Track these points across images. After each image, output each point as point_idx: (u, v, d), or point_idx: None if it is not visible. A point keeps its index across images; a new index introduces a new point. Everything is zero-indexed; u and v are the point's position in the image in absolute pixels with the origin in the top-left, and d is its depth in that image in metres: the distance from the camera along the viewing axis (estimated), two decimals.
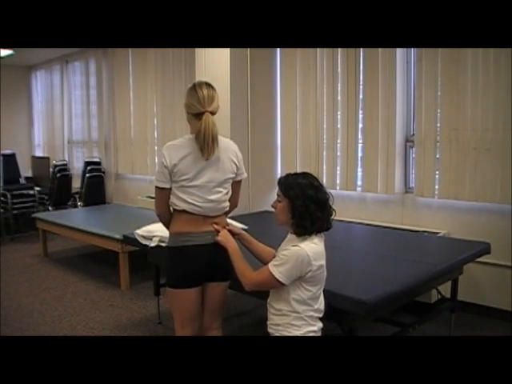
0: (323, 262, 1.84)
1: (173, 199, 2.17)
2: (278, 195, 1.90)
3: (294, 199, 1.81)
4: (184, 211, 2.15)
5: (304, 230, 1.82)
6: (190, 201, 2.14)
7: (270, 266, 1.84)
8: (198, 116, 2.13)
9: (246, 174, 2.34)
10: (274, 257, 2.03)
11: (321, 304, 1.90)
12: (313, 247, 1.80)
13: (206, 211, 2.17)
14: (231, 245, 2.10)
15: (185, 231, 2.16)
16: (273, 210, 1.95)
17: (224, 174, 2.21)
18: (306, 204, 1.79)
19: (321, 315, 1.90)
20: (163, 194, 2.18)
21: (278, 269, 1.80)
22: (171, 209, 2.23)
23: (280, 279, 1.79)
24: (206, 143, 2.10)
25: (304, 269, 1.78)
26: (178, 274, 2.18)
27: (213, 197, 2.18)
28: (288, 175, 1.90)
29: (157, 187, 2.18)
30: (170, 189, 2.16)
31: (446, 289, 3.15)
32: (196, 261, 2.16)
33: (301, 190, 1.81)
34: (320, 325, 1.90)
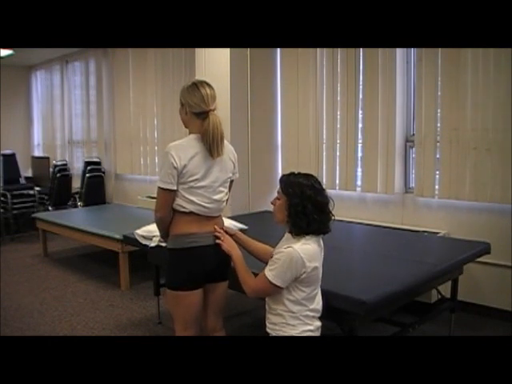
0: (318, 264, 1.83)
1: (179, 201, 2.11)
2: (278, 192, 1.90)
3: (291, 197, 1.81)
4: (190, 213, 2.12)
5: (299, 229, 1.82)
6: (198, 202, 2.11)
7: (266, 270, 1.84)
8: (202, 115, 2.11)
9: (238, 174, 2.33)
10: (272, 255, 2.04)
11: (317, 304, 1.89)
12: (306, 248, 1.80)
13: (210, 211, 2.16)
14: (235, 252, 2.09)
15: (190, 232, 2.12)
16: (272, 208, 1.96)
17: (226, 173, 2.20)
18: (303, 204, 1.79)
19: (318, 315, 1.90)
20: (169, 197, 2.10)
21: (272, 273, 1.80)
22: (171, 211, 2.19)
23: (276, 283, 1.79)
24: (215, 143, 2.08)
25: (298, 270, 1.78)
26: (182, 275, 2.15)
27: (217, 197, 2.17)
28: (291, 174, 1.89)
29: (163, 189, 2.08)
30: (177, 190, 2.10)
31: (446, 289, 3.15)
32: (202, 262, 2.14)
33: (300, 189, 1.80)
34: (318, 323, 1.90)
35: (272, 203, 1.93)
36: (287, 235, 1.91)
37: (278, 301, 1.85)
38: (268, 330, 1.93)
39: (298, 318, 1.84)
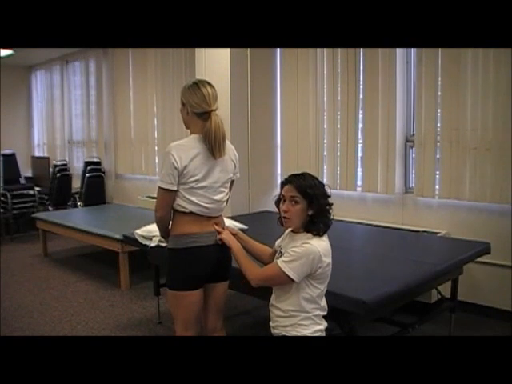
0: (330, 260, 1.85)
1: (179, 201, 2.11)
2: (292, 197, 1.83)
3: (318, 198, 1.81)
4: (190, 213, 2.11)
5: (325, 227, 1.85)
6: (198, 202, 2.10)
7: (280, 262, 1.82)
8: (203, 115, 2.10)
9: (239, 174, 2.33)
10: (272, 255, 2.04)
11: (324, 302, 1.91)
12: (322, 244, 1.82)
13: (210, 212, 2.15)
14: (235, 244, 2.10)
15: (190, 232, 2.11)
16: (275, 209, 1.95)
17: (227, 173, 2.20)
18: (327, 202, 1.84)
19: (325, 313, 1.91)
20: (169, 197, 2.10)
21: (288, 265, 1.79)
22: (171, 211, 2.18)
23: (291, 276, 1.78)
24: (217, 143, 2.08)
25: (315, 266, 1.78)
26: (183, 275, 2.14)
27: (217, 197, 2.16)
28: (299, 177, 1.85)
29: (163, 189, 2.08)
30: (177, 191, 2.10)
31: (446, 289, 3.15)
32: (202, 262, 2.14)
33: (319, 189, 1.83)
34: (325, 324, 1.91)
35: (285, 210, 1.85)
36: (295, 235, 1.89)
37: (292, 301, 1.84)
38: (275, 331, 1.92)
39: (310, 318, 1.85)
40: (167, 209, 2.14)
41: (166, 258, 2.23)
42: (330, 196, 1.88)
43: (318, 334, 1.86)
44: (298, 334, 1.84)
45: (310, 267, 1.78)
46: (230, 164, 2.22)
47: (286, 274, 1.79)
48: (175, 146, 2.08)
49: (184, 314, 2.18)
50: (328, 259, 1.83)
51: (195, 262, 2.13)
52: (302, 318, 1.84)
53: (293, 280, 1.79)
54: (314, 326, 1.85)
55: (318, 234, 1.83)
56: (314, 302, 1.84)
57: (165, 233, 2.25)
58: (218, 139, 2.08)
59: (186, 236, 2.12)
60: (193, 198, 2.10)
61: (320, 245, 1.81)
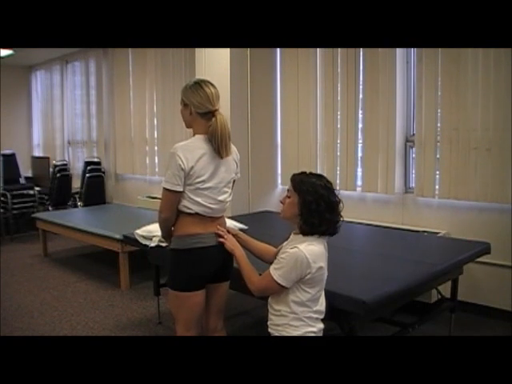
0: (323, 264, 1.83)
1: (185, 202, 2.09)
2: (288, 190, 1.88)
3: (305, 195, 1.80)
4: (195, 214, 2.10)
5: (311, 227, 1.81)
6: (203, 203, 2.10)
7: (271, 269, 1.83)
8: (207, 115, 2.09)
9: (240, 174, 2.32)
10: (276, 254, 2.03)
11: (321, 305, 1.89)
12: (311, 249, 1.79)
13: (214, 212, 2.15)
14: (238, 251, 2.09)
15: (194, 233, 2.11)
16: (275, 209, 1.96)
17: (230, 174, 2.20)
18: (316, 202, 1.79)
19: (321, 316, 1.89)
20: (175, 198, 2.08)
21: (277, 272, 1.80)
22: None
23: (280, 282, 1.79)
24: (223, 143, 2.07)
25: (303, 271, 1.77)
26: (186, 276, 2.13)
27: (221, 197, 2.16)
28: (302, 173, 1.89)
29: (168, 190, 2.06)
30: (183, 192, 2.08)
31: (446, 289, 3.15)
32: (206, 262, 2.14)
33: (314, 187, 1.80)
34: (320, 326, 1.90)
35: (281, 202, 1.91)
36: (293, 237, 1.90)
37: (283, 302, 1.85)
38: (270, 331, 1.93)
39: (301, 320, 1.84)
40: (172, 210, 2.12)
41: (166, 259, 2.23)
42: (334, 202, 1.83)
43: (309, 336, 1.85)
44: (287, 335, 1.84)
45: (298, 273, 1.78)
46: (232, 164, 2.22)
47: (276, 281, 1.79)
48: (181, 147, 2.07)
49: (186, 314, 2.18)
50: (318, 264, 1.80)
51: (199, 262, 2.12)
52: (291, 318, 1.83)
53: (283, 286, 1.80)
54: (304, 328, 1.84)
55: (304, 233, 1.82)
56: (304, 305, 1.83)
57: (167, 234, 2.23)
58: (224, 139, 2.07)
59: (189, 237, 2.11)
60: (198, 199, 2.09)
61: (308, 249, 1.78)
